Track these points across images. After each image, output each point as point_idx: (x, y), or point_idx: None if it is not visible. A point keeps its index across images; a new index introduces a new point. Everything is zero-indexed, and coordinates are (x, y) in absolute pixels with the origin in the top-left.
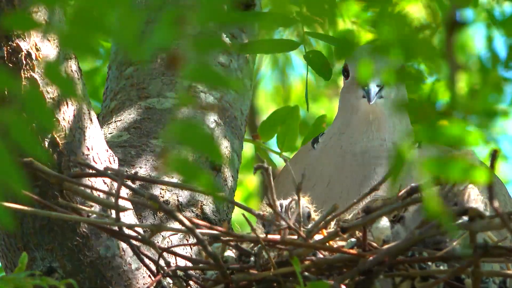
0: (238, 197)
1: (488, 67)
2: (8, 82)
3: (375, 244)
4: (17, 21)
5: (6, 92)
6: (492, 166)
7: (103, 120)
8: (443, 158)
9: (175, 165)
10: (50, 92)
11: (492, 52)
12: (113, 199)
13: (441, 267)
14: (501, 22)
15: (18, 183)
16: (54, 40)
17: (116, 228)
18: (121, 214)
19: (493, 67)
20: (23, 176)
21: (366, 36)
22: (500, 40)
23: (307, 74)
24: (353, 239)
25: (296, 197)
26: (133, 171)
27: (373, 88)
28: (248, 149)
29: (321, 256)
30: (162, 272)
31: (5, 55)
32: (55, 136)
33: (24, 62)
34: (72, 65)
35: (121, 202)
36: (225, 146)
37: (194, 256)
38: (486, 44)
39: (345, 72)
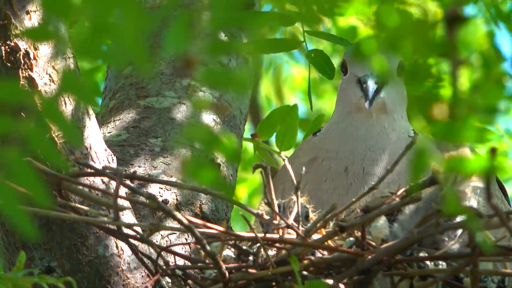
0: (242, 193)
1: (490, 62)
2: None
3: (373, 243)
4: (29, 34)
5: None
6: (491, 163)
7: (102, 119)
8: (457, 155)
9: (190, 167)
10: (49, 92)
11: (494, 48)
12: (111, 198)
13: (440, 266)
14: (503, 18)
15: (35, 188)
16: (52, 39)
17: (114, 227)
18: (120, 213)
19: (495, 62)
20: (39, 180)
21: (369, 32)
22: (503, 36)
23: (309, 73)
24: (351, 238)
25: (294, 197)
26: (131, 170)
27: (371, 87)
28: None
29: (320, 255)
30: (160, 271)
31: (3, 54)
32: (53, 135)
33: (22, 61)
34: (71, 64)
35: (120, 201)
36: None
37: (191, 255)
38: (488, 40)
39: (343, 68)
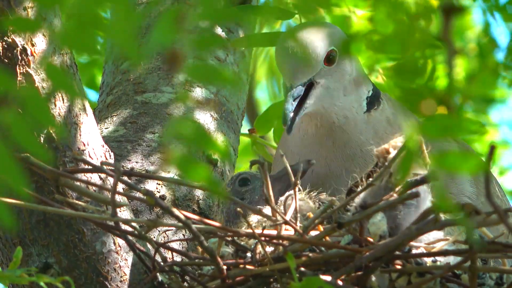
0: None
1: (485, 52)
2: (5, 80)
3: (371, 240)
4: (17, 24)
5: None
6: (490, 160)
7: (100, 114)
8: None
9: (177, 162)
10: (46, 87)
11: (490, 38)
12: (109, 194)
13: (438, 263)
14: (499, 8)
15: (17, 179)
16: (49, 35)
17: (112, 223)
18: (117, 209)
19: (490, 52)
20: (21, 172)
21: (363, 25)
22: (498, 26)
23: None
24: (349, 235)
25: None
26: (129, 166)
27: (289, 107)
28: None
29: (318, 251)
30: (158, 267)
31: (1, 50)
32: (51, 131)
33: (20, 57)
34: (67, 60)
35: (118, 198)
36: (221, 141)
37: (188, 250)
38: (483, 30)
39: None
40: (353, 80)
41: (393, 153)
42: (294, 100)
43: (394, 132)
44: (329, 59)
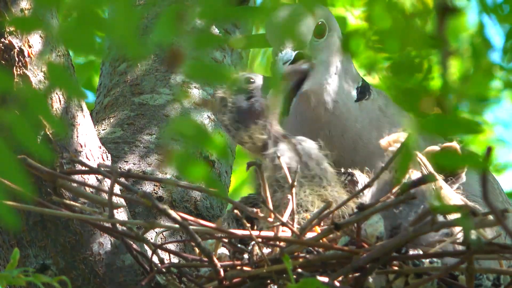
0: (232, 184)
1: (479, 53)
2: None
3: (368, 241)
4: (15, 22)
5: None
6: (487, 161)
7: (97, 116)
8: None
9: (176, 160)
10: (43, 89)
11: (484, 38)
12: (106, 196)
13: (435, 264)
14: (492, 9)
15: (20, 181)
16: (46, 36)
17: (109, 224)
18: (114, 211)
19: (484, 53)
20: (24, 174)
21: (359, 24)
22: (493, 27)
23: None
24: (346, 236)
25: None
26: (126, 167)
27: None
28: None
29: (315, 253)
30: (155, 269)
31: None
32: (48, 133)
33: (17, 59)
34: (64, 62)
35: (115, 199)
36: (218, 142)
37: (186, 251)
38: (478, 30)
39: None
40: (341, 63)
41: (394, 147)
42: (284, 64)
43: (388, 120)
44: (319, 31)
